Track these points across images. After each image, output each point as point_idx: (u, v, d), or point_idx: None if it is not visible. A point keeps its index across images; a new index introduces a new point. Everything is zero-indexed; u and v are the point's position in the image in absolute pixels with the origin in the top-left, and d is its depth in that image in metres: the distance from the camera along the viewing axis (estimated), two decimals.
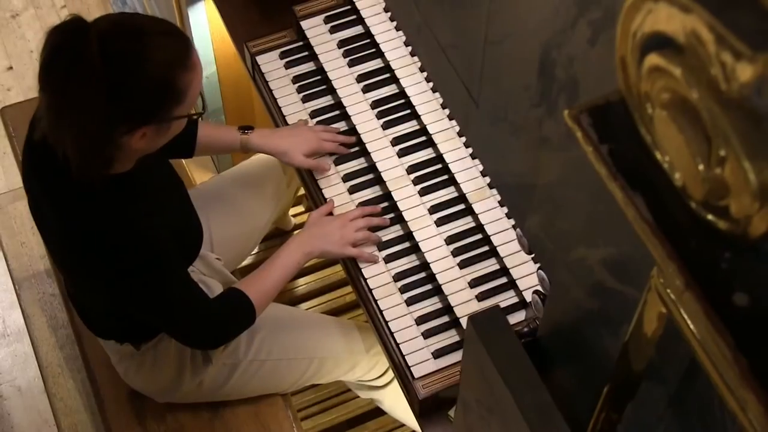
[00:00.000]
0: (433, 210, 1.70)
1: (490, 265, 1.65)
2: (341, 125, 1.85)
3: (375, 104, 1.82)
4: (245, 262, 2.43)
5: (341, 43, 1.90)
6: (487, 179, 1.69)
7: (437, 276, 1.63)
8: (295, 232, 2.47)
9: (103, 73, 1.29)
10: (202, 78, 1.45)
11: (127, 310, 1.61)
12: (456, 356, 1.58)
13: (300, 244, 1.69)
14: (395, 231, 1.72)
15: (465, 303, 1.60)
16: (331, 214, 1.73)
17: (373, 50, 1.89)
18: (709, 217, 0.62)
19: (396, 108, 1.82)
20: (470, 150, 1.72)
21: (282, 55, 1.93)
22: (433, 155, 1.76)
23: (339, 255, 1.67)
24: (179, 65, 1.37)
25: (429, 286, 1.65)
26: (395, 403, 1.95)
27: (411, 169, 1.74)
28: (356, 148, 1.82)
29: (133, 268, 1.46)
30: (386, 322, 1.61)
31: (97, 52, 1.29)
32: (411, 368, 1.56)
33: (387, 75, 1.86)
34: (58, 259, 1.61)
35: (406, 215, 1.70)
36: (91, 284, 1.57)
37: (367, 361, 1.91)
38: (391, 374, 1.92)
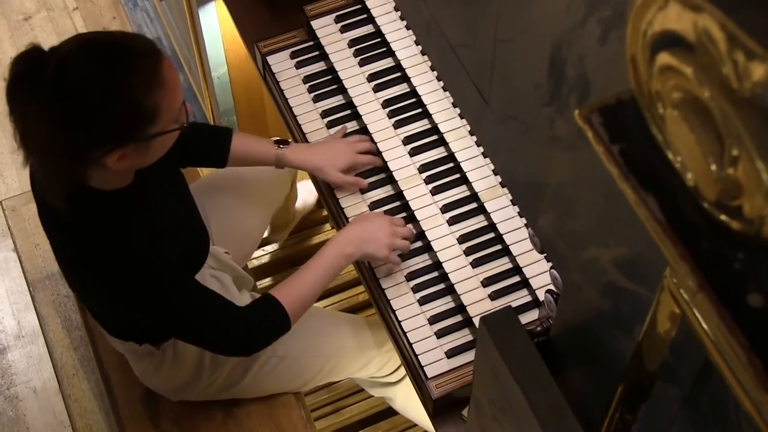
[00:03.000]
0: (445, 209, 1.70)
1: (502, 264, 1.64)
2: (352, 125, 1.85)
3: (386, 103, 1.82)
4: (262, 261, 2.44)
5: (352, 43, 1.90)
6: (499, 178, 1.68)
7: (450, 275, 1.63)
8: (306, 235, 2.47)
9: (59, 103, 1.29)
10: (180, 90, 1.41)
11: (141, 323, 1.62)
12: (469, 355, 1.57)
13: (341, 245, 1.61)
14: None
15: (478, 302, 1.60)
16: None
17: (384, 49, 1.88)
18: (722, 217, 0.62)
19: (407, 107, 1.82)
20: (482, 148, 1.71)
21: (293, 55, 1.93)
22: (445, 154, 1.76)
23: (382, 260, 1.61)
24: (146, 85, 1.33)
25: (441, 286, 1.65)
26: (407, 400, 1.95)
27: (422, 168, 1.74)
28: None
29: (133, 285, 1.45)
30: (399, 322, 1.61)
31: (51, 82, 1.28)
32: (424, 368, 1.56)
33: (398, 74, 1.85)
34: (64, 269, 1.61)
35: (418, 214, 1.69)
36: (97, 296, 1.57)
37: (380, 358, 1.91)
38: (403, 371, 1.92)
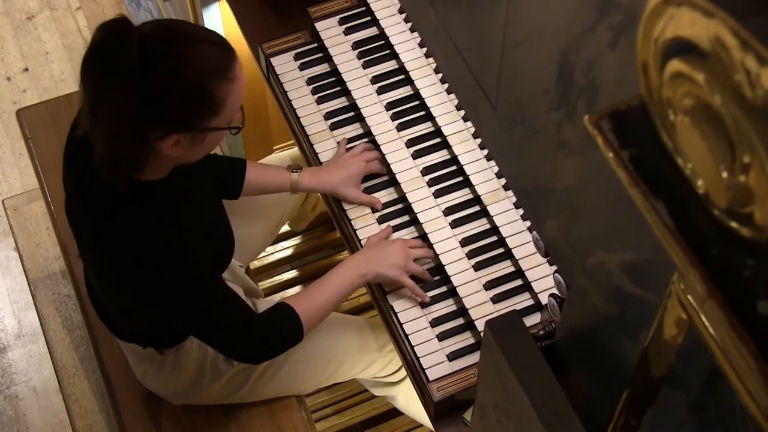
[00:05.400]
0: (448, 212, 1.70)
1: (505, 268, 1.64)
2: (356, 127, 1.85)
3: (389, 106, 1.82)
4: (265, 262, 2.45)
5: (356, 45, 1.90)
6: (503, 181, 1.68)
7: (452, 278, 1.63)
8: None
9: (139, 73, 1.30)
10: (243, 93, 1.43)
11: (160, 318, 1.61)
12: (471, 358, 1.58)
13: (355, 265, 1.63)
14: (410, 233, 1.72)
15: (480, 305, 1.60)
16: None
17: (388, 52, 1.88)
18: (733, 224, 0.62)
19: (411, 110, 1.82)
20: (485, 152, 1.71)
21: (296, 57, 1.93)
22: (448, 157, 1.76)
23: (393, 280, 1.63)
24: (218, 75, 1.36)
25: (444, 288, 1.65)
26: (409, 399, 1.95)
27: (426, 171, 1.74)
28: None
29: (165, 276, 1.46)
30: (401, 325, 1.61)
31: (135, 52, 1.29)
32: (426, 371, 1.56)
33: (402, 76, 1.85)
34: (91, 262, 1.60)
35: (421, 217, 1.69)
36: (123, 290, 1.56)
37: (383, 359, 1.91)
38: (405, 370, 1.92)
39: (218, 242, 1.64)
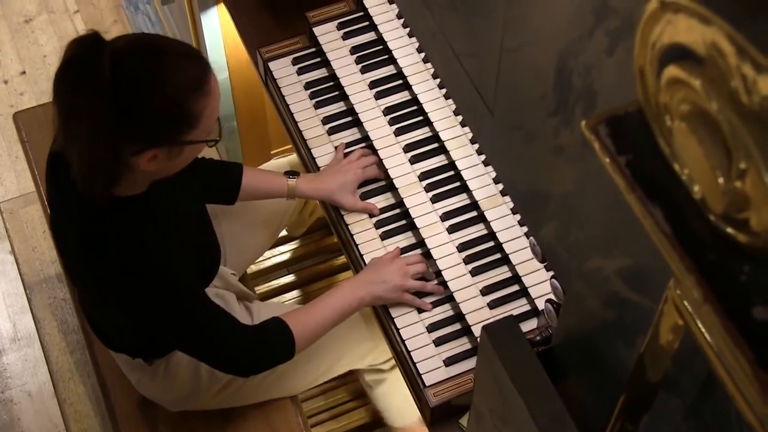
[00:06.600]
0: (445, 217, 1.70)
1: (502, 273, 1.64)
2: (353, 132, 1.85)
3: (387, 111, 1.82)
4: (262, 266, 2.44)
5: (354, 50, 1.90)
6: (500, 186, 1.68)
7: (449, 283, 1.63)
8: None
9: (112, 89, 1.29)
10: (219, 104, 1.43)
11: (145, 332, 1.61)
12: (467, 364, 1.57)
13: (354, 288, 1.63)
14: (407, 238, 1.72)
15: (477, 311, 1.60)
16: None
17: (386, 57, 1.89)
18: (729, 230, 0.62)
19: (408, 114, 1.82)
20: (483, 157, 1.71)
21: (294, 61, 1.93)
22: (446, 162, 1.76)
23: (394, 301, 1.62)
24: (194, 89, 1.35)
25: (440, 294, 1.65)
26: (395, 390, 1.94)
27: (423, 176, 1.74)
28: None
29: (147, 291, 1.45)
30: (398, 330, 1.61)
31: (108, 68, 1.28)
32: (422, 376, 1.56)
33: (399, 81, 1.86)
34: (74, 275, 1.60)
35: (418, 222, 1.70)
36: (108, 300, 1.56)
37: (381, 348, 1.90)
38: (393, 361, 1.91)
39: (202, 252, 1.63)
